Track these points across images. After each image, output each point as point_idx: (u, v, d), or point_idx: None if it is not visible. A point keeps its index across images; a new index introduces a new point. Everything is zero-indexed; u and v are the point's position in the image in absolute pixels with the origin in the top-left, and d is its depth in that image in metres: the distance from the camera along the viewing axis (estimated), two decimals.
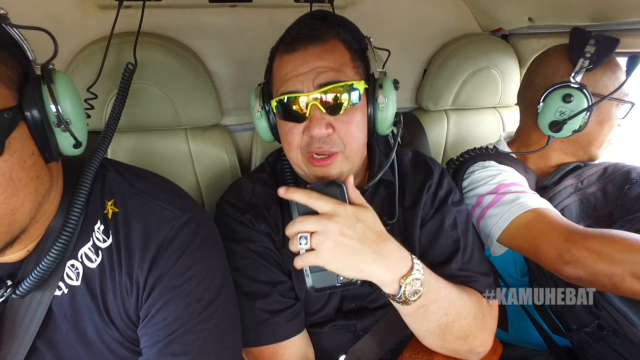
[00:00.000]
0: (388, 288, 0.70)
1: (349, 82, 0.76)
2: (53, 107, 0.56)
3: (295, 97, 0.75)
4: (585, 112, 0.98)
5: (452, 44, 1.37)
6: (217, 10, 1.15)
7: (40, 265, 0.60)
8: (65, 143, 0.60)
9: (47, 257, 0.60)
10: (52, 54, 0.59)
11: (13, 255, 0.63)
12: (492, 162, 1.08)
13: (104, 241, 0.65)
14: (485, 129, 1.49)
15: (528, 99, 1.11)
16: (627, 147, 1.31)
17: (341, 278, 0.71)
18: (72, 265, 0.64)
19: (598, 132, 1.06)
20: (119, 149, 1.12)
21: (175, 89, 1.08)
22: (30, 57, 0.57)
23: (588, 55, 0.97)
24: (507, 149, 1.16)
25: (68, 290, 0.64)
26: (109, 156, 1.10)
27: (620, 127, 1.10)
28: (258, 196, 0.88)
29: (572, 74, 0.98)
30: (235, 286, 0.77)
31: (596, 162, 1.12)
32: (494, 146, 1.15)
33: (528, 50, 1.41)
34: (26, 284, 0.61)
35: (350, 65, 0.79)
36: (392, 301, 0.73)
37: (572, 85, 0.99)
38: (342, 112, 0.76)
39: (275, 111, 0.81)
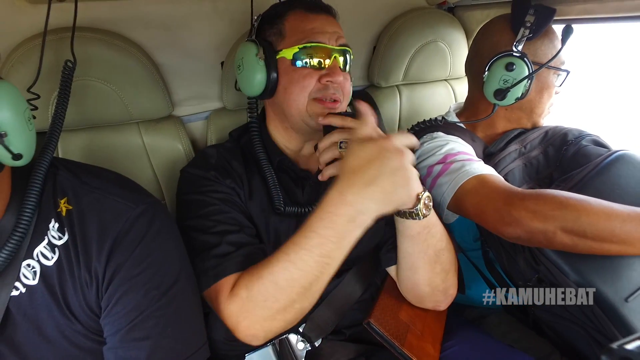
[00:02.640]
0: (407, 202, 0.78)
1: (350, 50, 0.94)
2: None
3: (323, 47, 0.88)
4: (526, 80, 1.03)
5: (399, 19, 1.39)
6: None
7: None
8: (3, 155, 0.58)
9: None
10: None
11: None
12: (440, 133, 1.12)
13: (60, 238, 0.66)
14: (437, 102, 1.53)
15: (474, 69, 1.16)
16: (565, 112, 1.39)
17: None
18: (28, 265, 0.65)
19: (538, 100, 1.12)
20: (71, 148, 1.10)
21: (121, 83, 1.06)
22: None
23: (528, 24, 1.02)
24: (455, 120, 1.21)
25: (26, 290, 0.65)
26: (60, 156, 1.09)
27: (559, 95, 1.17)
28: (223, 158, 0.94)
29: (514, 43, 1.03)
30: (201, 229, 0.82)
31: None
32: (442, 117, 1.20)
33: (473, 22, 1.45)
34: None
35: None
36: (402, 219, 0.82)
37: (514, 54, 1.04)
38: (346, 71, 0.93)
39: (290, 58, 0.89)
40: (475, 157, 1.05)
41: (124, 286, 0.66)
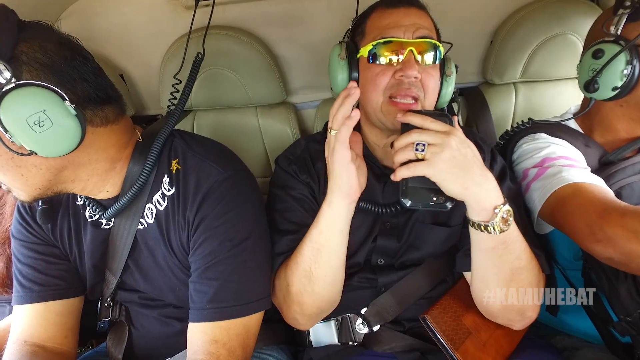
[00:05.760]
0: (482, 214, 0.75)
1: (438, 43, 0.88)
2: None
3: (395, 42, 0.85)
4: (625, 66, 0.87)
5: (521, 10, 1.27)
6: None
7: (119, 201, 0.83)
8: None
9: (125, 196, 0.83)
10: None
11: (99, 195, 0.85)
12: (543, 135, 1.02)
13: (169, 190, 0.86)
14: (561, 102, 1.35)
15: None
16: None
17: (434, 198, 0.75)
18: (149, 208, 0.87)
19: None
20: (203, 124, 1.37)
21: (243, 72, 1.27)
22: None
23: (628, 3, 0.85)
24: (570, 122, 1.07)
25: (147, 226, 0.87)
26: (195, 129, 1.37)
27: None
28: (308, 152, 1.03)
29: (612, 27, 0.89)
30: (273, 223, 0.94)
31: None
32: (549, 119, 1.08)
33: None
34: (110, 210, 0.84)
35: (435, 34, 0.92)
36: (478, 232, 0.77)
37: (605, 39, 0.89)
38: (429, 64, 0.87)
39: (366, 56, 0.89)
40: (580, 164, 0.93)
41: (205, 234, 0.82)
